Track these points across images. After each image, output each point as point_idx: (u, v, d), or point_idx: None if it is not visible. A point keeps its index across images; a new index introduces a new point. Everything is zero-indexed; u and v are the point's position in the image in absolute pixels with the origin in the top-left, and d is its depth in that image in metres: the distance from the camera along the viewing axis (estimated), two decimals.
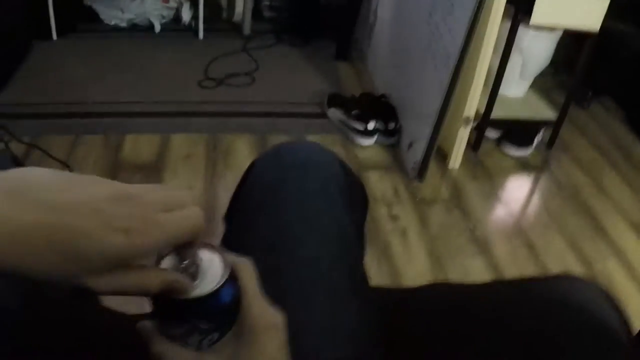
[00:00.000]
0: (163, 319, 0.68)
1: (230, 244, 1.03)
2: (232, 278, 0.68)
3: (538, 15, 2.44)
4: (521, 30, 2.55)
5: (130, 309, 0.76)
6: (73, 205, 0.53)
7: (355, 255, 0.99)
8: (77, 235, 0.52)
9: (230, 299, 0.68)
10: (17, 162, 1.00)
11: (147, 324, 0.68)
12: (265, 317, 0.69)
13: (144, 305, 0.67)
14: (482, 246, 2.23)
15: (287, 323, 0.71)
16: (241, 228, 0.99)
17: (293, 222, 0.94)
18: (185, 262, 0.66)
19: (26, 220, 0.50)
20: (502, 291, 1.14)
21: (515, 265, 2.15)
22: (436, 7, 2.44)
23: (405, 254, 2.15)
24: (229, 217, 1.09)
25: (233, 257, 0.70)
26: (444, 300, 1.10)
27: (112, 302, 0.76)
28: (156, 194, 0.60)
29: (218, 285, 0.65)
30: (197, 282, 0.65)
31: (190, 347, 0.68)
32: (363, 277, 0.98)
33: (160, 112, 2.92)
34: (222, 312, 0.67)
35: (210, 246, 0.69)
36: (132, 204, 0.57)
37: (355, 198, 1.05)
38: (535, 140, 2.82)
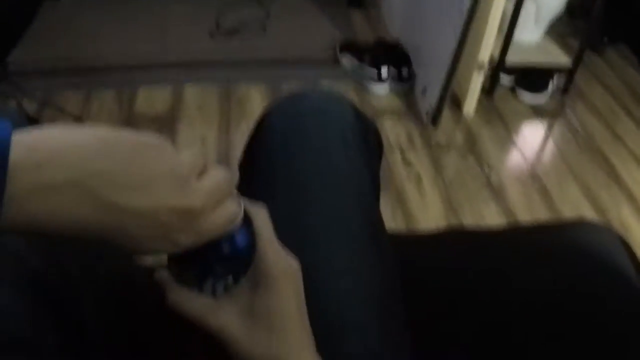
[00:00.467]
0: (178, 264, 0.68)
1: (245, 193, 1.03)
2: (247, 223, 0.69)
3: None
4: None
5: (147, 259, 0.75)
6: (139, 213, 0.56)
7: (371, 200, 0.98)
8: (131, 240, 0.57)
9: (245, 244, 0.68)
10: (31, 120, 1.00)
11: (164, 273, 0.70)
12: (281, 263, 0.69)
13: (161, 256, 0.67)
14: (497, 192, 2.23)
15: (306, 269, 0.71)
16: (257, 177, 0.99)
17: (309, 169, 0.94)
18: None
19: (89, 219, 0.53)
20: (517, 237, 1.14)
21: (530, 212, 2.15)
22: None
23: (419, 200, 2.16)
24: (243, 166, 1.09)
25: (247, 203, 0.71)
26: (460, 246, 1.11)
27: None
28: (213, 199, 0.63)
29: (232, 229, 0.65)
30: None
31: (205, 293, 0.69)
32: (379, 222, 0.98)
33: (173, 64, 2.90)
34: (236, 256, 0.68)
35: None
36: (191, 218, 0.60)
37: (370, 143, 1.04)
38: (550, 86, 2.79)
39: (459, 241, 1.15)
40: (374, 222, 0.96)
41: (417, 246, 1.17)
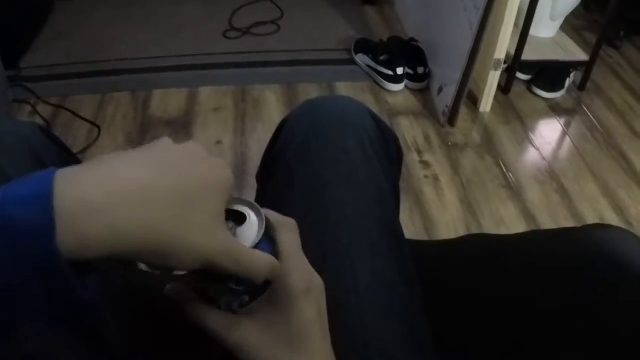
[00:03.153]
0: (194, 279, 0.63)
1: (263, 201, 1.02)
2: (269, 237, 0.66)
3: None
4: None
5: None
6: (194, 223, 0.56)
7: (391, 210, 0.98)
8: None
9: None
10: (48, 134, 0.99)
11: (180, 286, 0.68)
12: (304, 280, 0.67)
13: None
14: (515, 191, 2.22)
15: (327, 282, 0.70)
16: (276, 187, 0.98)
17: (329, 180, 0.93)
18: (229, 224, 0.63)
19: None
20: (538, 243, 1.13)
21: (548, 211, 2.14)
22: None
23: (437, 201, 2.15)
24: (262, 175, 1.08)
25: (275, 215, 0.69)
26: (481, 253, 1.10)
27: None
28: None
29: (252, 245, 0.62)
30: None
31: (223, 309, 0.67)
32: (399, 232, 0.97)
33: (187, 66, 2.90)
34: None
35: (248, 203, 0.67)
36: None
37: (389, 152, 1.04)
38: (567, 82, 2.78)
39: (479, 248, 1.14)
40: (394, 231, 0.95)
41: (438, 254, 1.16)
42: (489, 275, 1.04)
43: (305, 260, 0.69)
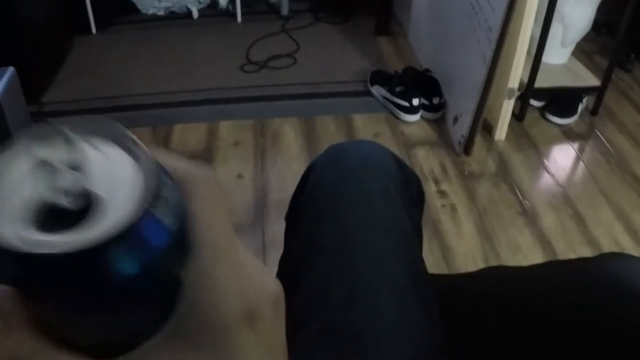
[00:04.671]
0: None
1: (294, 245, 1.07)
2: (164, 205, 0.32)
3: None
4: None
5: None
6: None
7: (415, 250, 1.02)
8: None
9: (161, 257, 0.32)
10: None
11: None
12: (243, 296, 0.37)
13: None
14: (530, 218, 2.26)
15: (353, 322, 0.70)
16: (306, 230, 1.03)
17: (356, 223, 0.97)
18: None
19: None
20: (556, 274, 1.16)
21: (564, 237, 2.18)
22: None
23: (455, 230, 2.19)
24: (291, 217, 1.13)
25: (174, 162, 0.39)
26: (500, 287, 1.13)
27: None
28: None
29: (126, 225, 0.30)
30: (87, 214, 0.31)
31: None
32: (423, 270, 1.02)
33: (206, 100, 2.96)
34: (139, 285, 0.32)
35: (126, 139, 0.36)
36: None
37: (412, 194, 1.08)
38: (579, 108, 2.82)
39: (499, 282, 1.18)
40: (418, 271, 0.99)
41: (458, 288, 1.20)
42: (508, 309, 1.07)
43: (244, 256, 0.41)
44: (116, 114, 2.85)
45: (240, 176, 2.44)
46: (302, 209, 1.07)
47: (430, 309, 0.95)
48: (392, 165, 1.06)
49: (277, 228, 2.17)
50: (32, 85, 2.76)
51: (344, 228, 0.97)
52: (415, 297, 0.94)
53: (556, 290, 1.08)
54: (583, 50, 3.04)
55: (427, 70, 2.90)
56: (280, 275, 1.06)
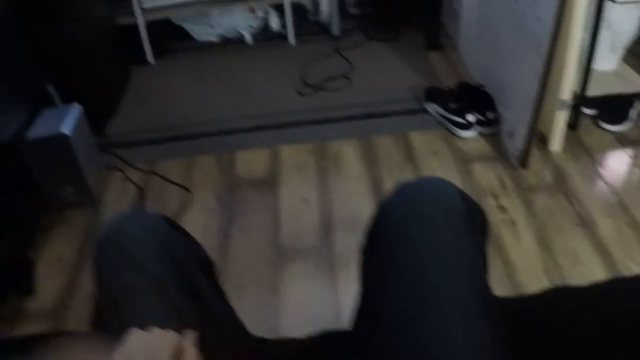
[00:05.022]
0: None
1: (370, 277, 1.16)
2: None
3: None
4: (607, 5, 2.54)
5: None
6: None
7: (482, 276, 1.11)
8: None
9: None
10: (171, 224, 1.10)
11: None
12: None
13: None
14: (588, 228, 2.29)
15: (426, 347, 0.78)
16: (381, 265, 1.12)
17: (427, 255, 1.06)
18: None
19: None
20: (622, 294, 1.22)
21: (623, 247, 2.20)
22: None
23: (515, 244, 2.23)
24: (367, 251, 1.22)
25: None
26: (568, 309, 1.20)
27: None
28: None
29: None
30: None
31: None
32: (490, 296, 1.10)
33: (265, 125, 3.05)
34: None
35: None
36: None
37: (477, 224, 1.17)
38: (632, 114, 2.85)
39: (565, 303, 1.24)
40: (485, 297, 1.08)
41: (526, 311, 1.26)
42: (576, 331, 1.13)
43: None
44: (180, 143, 2.97)
45: (305, 200, 2.52)
46: (376, 247, 1.16)
47: (498, 332, 1.03)
48: (458, 199, 1.15)
49: (344, 248, 2.26)
50: (96, 117, 2.87)
51: (417, 262, 1.06)
52: (484, 321, 1.02)
53: (625, 312, 1.14)
54: (632, 53, 3.05)
55: (480, 85, 2.95)
56: (359, 317, 1.16)
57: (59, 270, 2.30)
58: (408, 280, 1.04)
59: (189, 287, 1.10)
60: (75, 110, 2.52)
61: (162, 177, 2.71)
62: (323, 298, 2.09)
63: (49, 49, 2.70)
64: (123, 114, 3.25)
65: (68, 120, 2.44)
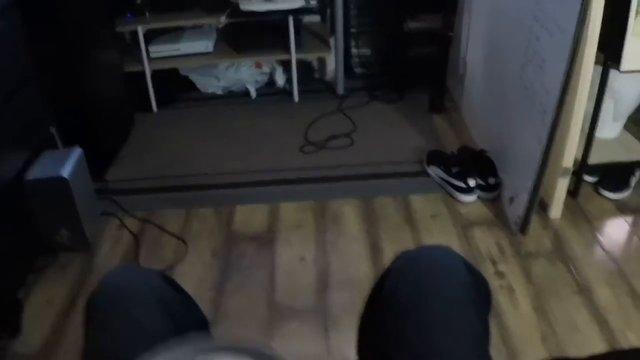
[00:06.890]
0: None
1: (373, 345, 1.15)
2: None
3: (627, 62, 2.46)
4: (611, 74, 2.56)
5: None
6: None
7: (484, 346, 1.11)
8: None
9: None
10: (169, 282, 1.08)
11: None
12: None
13: None
14: (587, 296, 2.28)
15: None
16: (386, 333, 1.11)
17: (433, 326, 1.06)
18: None
19: None
20: None
21: (621, 315, 2.19)
22: (527, 61, 2.52)
23: (513, 311, 2.22)
24: (366, 318, 1.21)
25: None
26: None
27: None
28: None
29: None
30: None
31: None
32: None
33: (266, 181, 3.05)
34: None
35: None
36: None
37: (481, 295, 1.17)
38: (632, 182, 2.85)
39: None
40: None
41: None
42: None
43: None
44: (179, 194, 2.98)
45: (302, 259, 2.51)
46: (379, 315, 1.15)
47: None
48: (462, 269, 1.15)
49: (339, 310, 2.24)
50: (97, 162, 2.89)
51: (424, 330, 1.06)
52: None
53: None
54: (632, 120, 3.06)
55: (482, 150, 2.97)
56: None
57: (47, 313, 2.29)
58: (415, 351, 1.04)
59: None
60: (76, 154, 2.53)
61: (158, 226, 2.71)
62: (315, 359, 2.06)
63: (56, 92, 2.74)
64: (124, 160, 3.26)
65: (68, 164, 2.45)
